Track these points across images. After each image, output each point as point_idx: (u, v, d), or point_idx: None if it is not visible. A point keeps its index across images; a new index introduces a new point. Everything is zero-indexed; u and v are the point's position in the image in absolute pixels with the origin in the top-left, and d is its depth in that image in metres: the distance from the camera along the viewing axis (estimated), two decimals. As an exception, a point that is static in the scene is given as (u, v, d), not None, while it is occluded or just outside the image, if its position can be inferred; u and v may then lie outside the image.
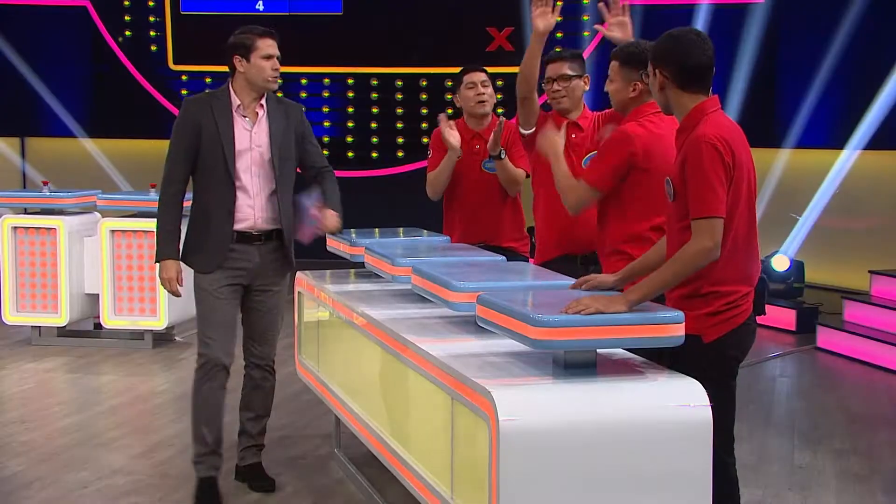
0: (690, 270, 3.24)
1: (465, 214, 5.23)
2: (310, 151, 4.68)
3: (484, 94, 5.22)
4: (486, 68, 5.31)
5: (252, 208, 4.49)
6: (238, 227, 4.48)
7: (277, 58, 4.45)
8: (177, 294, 4.50)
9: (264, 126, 4.50)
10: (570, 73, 4.68)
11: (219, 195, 4.44)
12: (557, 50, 4.98)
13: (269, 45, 4.44)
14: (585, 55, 10.73)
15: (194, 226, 4.53)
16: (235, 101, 4.47)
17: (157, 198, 4.53)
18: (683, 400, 3.12)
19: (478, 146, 5.22)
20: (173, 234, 4.49)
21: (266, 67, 4.43)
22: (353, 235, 5.00)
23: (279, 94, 4.67)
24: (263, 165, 4.48)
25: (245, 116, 4.47)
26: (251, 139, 4.47)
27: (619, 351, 3.46)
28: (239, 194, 4.46)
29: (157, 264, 4.50)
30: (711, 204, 3.22)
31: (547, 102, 4.80)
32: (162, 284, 4.52)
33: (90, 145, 12.32)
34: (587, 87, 4.78)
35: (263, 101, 4.51)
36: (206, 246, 4.47)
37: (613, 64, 4.08)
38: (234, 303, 4.54)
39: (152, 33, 11.84)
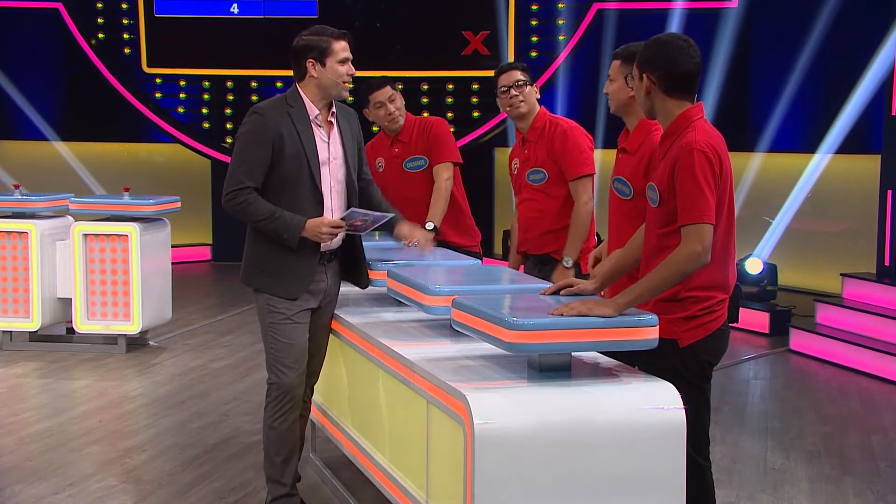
0: (681, 275, 3.24)
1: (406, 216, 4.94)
2: (361, 161, 4.35)
3: (393, 112, 5.23)
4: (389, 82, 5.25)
5: None
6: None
7: (351, 61, 4.13)
8: (339, 227, 4.04)
9: (337, 137, 4.17)
10: (523, 78, 4.95)
11: (305, 215, 4.03)
12: (509, 62, 5.52)
13: (344, 49, 4.12)
14: (559, 61, 10.85)
15: (274, 248, 4.07)
16: (313, 110, 4.10)
17: (233, 207, 4.03)
18: (657, 402, 3.13)
19: (397, 149, 5.35)
20: (281, 210, 4.00)
21: (342, 73, 4.10)
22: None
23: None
24: (340, 180, 4.16)
25: (320, 126, 4.13)
26: (329, 151, 4.14)
27: (594, 354, 3.48)
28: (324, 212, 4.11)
29: (299, 236, 4.01)
30: (702, 210, 3.22)
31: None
32: (321, 239, 4.04)
33: (62, 148, 12.24)
34: (538, 95, 5.09)
35: (334, 109, 4.19)
36: (291, 270, 4.08)
37: (615, 63, 3.98)
38: (307, 327, 4.19)
39: (126, 36, 11.77)
